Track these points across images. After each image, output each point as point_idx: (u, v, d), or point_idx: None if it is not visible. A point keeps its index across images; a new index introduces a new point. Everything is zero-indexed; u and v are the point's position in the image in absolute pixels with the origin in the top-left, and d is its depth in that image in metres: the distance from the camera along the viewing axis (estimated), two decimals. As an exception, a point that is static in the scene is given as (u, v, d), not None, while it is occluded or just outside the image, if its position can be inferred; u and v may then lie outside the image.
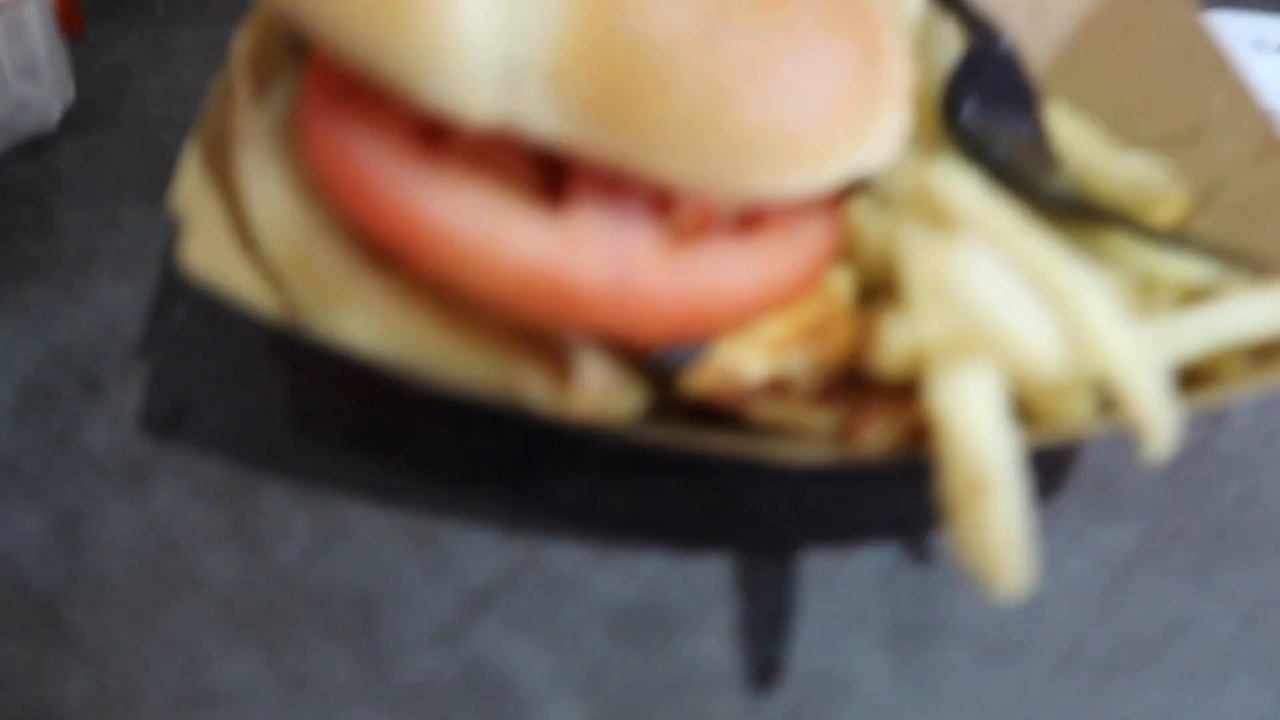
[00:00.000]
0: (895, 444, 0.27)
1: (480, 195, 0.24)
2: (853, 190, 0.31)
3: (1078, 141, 0.39)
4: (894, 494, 0.34)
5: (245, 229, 0.29)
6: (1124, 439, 0.36)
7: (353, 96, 0.25)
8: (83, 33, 0.45)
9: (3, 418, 0.32)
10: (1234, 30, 0.61)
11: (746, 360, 0.27)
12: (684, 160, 0.24)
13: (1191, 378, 0.30)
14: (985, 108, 0.34)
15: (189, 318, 0.36)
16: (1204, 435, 0.37)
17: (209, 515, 0.31)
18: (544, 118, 0.23)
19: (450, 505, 0.32)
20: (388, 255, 0.27)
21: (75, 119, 0.43)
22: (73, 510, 0.31)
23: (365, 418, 0.33)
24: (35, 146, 0.42)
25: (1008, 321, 0.24)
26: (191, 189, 0.29)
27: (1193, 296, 0.31)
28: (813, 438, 0.27)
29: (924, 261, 0.26)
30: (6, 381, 0.33)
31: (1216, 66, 0.39)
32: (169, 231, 0.39)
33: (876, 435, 0.27)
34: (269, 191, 0.28)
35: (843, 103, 0.26)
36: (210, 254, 0.27)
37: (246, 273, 0.28)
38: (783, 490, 0.34)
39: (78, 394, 0.33)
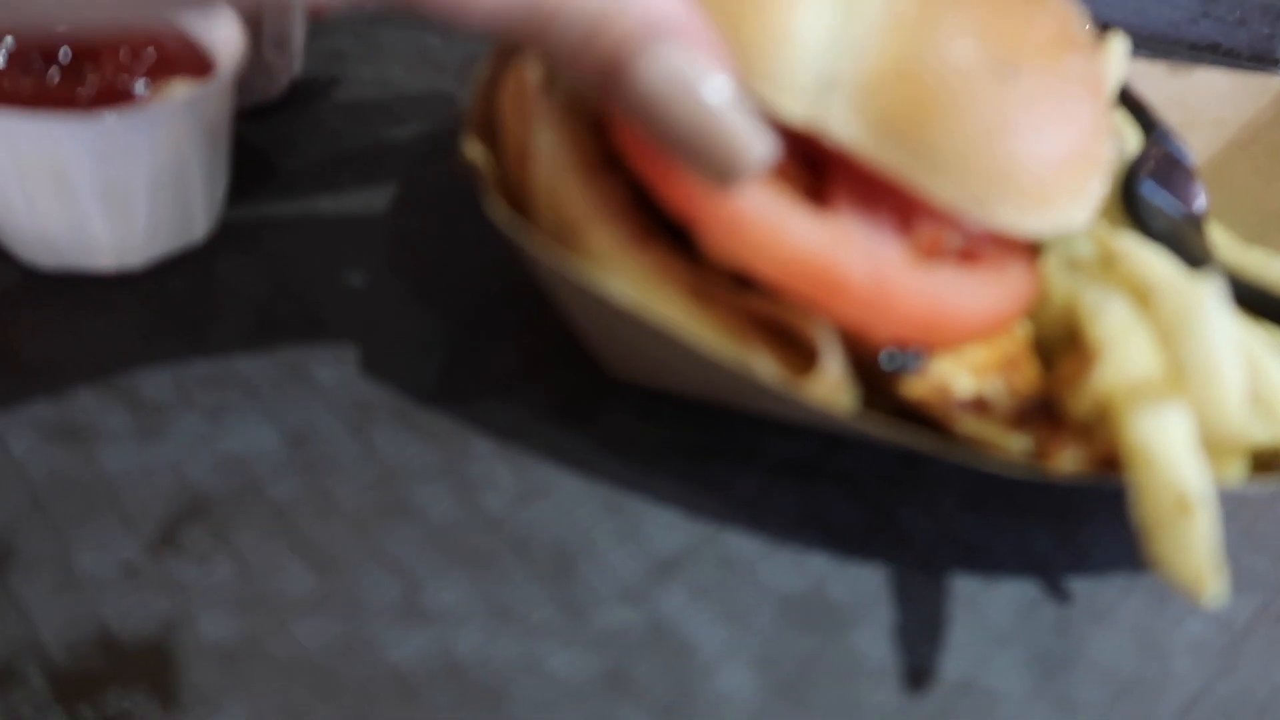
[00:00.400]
0: (1084, 468, 0.30)
1: (768, 187, 0.28)
2: (1044, 247, 0.34)
3: (1225, 245, 0.43)
4: (1033, 534, 0.36)
5: (515, 197, 0.32)
6: (1244, 522, 0.39)
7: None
8: (326, 14, 0.49)
9: (243, 342, 0.35)
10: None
11: (957, 377, 0.30)
12: (954, 183, 0.27)
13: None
14: (1157, 191, 0.38)
15: (407, 280, 0.39)
16: (1315, 526, 0.40)
17: (424, 454, 0.33)
18: (845, 126, 0.27)
19: (637, 482, 0.34)
20: (652, 237, 0.30)
21: (297, 92, 0.47)
22: (303, 431, 0.33)
23: (565, 392, 0.36)
24: (263, 111, 0.46)
25: (1221, 369, 0.27)
26: (475, 154, 0.32)
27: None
28: (1007, 455, 0.30)
29: (1169, 297, 0.29)
30: (246, 308, 0.36)
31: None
32: (386, 199, 0.42)
33: (1069, 458, 0.30)
34: (553, 167, 0.31)
35: (1080, 161, 0.29)
36: (493, 197, 0.30)
37: (524, 234, 0.31)
38: (932, 516, 0.36)
39: (304, 328, 0.36)
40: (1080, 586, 0.35)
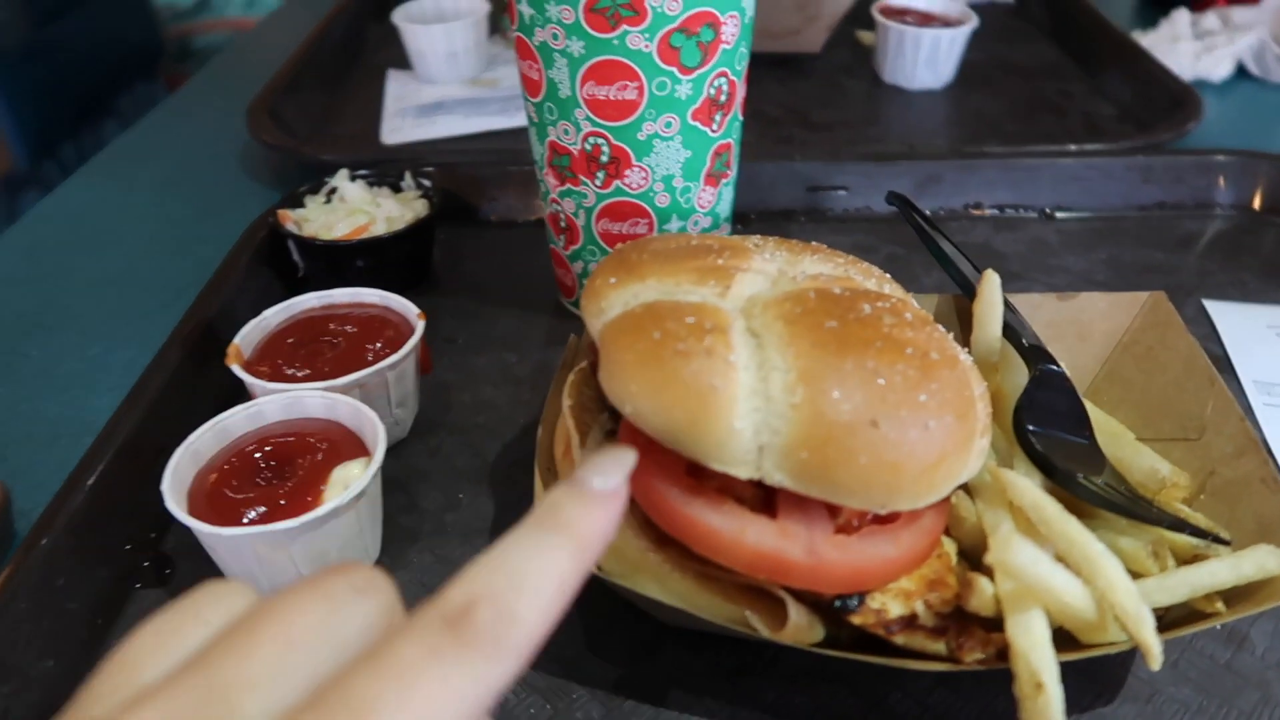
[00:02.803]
0: (988, 659, 0.43)
1: (729, 508, 0.43)
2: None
3: (1115, 437, 0.56)
4: (994, 698, 0.49)
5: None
6: (1169, 658, 0.50)
7: (650, 449, 0.44)
8: (431, 371, 0.68)
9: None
10: (1256, 319, 0.78)
11: (889, 605, 0.44)
12: (859, 500, 0.42)
13: (1193, 614, 0.45)
14: (1045, 423, 0.51)
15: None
16: (1229, 655, 0.51)
17: (540, 707, 0.48)
18: (777, 476, 0.42)
19: (692, 704, 0.48)
20: (665, 540, 0.45)
21: (420, 427, 0.65)
22: (458, 700, 0.48)
23: (634, 641, 0.51)
24: (396, 448, 0.64)
25: (1050, 584, 0.40)
26: (540, 495, 0.48)
27: (1190, 555, 0.47)
28: (933, 656, 0.44)
29: (995, 549, 0.42)
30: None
31: (1209, 381, 0.56)
32: (492, 508, 0.59)
33: (974, 654, 0.43)
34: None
35: (952, 450, 0.43)
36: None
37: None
38: (914, 696, 0.49)
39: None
40: (1030, 732, 0.47)
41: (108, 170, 1.06)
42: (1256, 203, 0.91)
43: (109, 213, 0.97)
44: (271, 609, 0.25)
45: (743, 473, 0.42)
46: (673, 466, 0.44)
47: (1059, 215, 0.91)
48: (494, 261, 0.85)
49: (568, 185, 0.68)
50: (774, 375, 0.42)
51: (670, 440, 0.42)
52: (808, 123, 1.10)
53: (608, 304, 0.48)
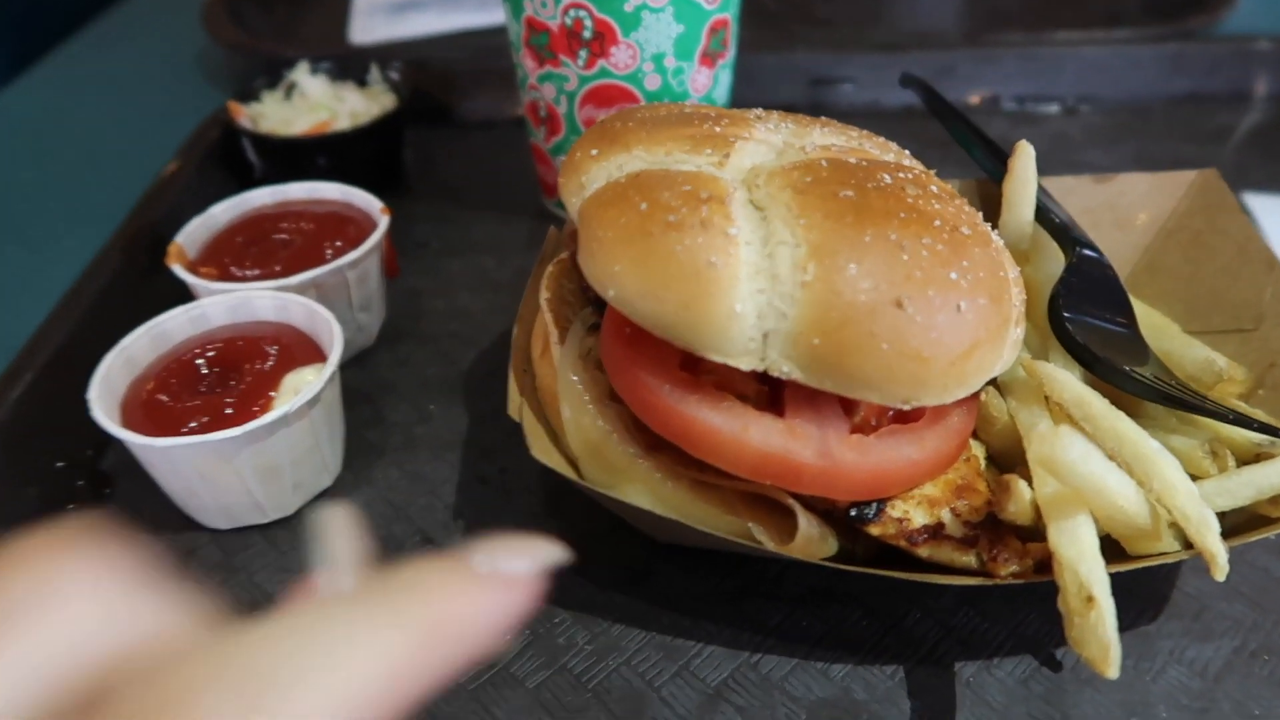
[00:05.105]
0: (1024, 572, 0.38)
1: (730, 404, 0.37)
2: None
3: (1160, 330, 0.50)
4: (1024, 618, 0.44)
5: (552, 428, 0.42)
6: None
7: (638, 340, 0.38)
8: (398, 274, 0.62)
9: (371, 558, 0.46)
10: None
11: (912, 514, 0.39)
12: (878, 393, 0.36)
13: (1253, 520, 0.40)
14: (1084, 311, 0.45)
15: (488, 487, 0.49)
16: (1284, 568, 0.46)
17: (516, 634, 0.43)
18: (785, 367, 0.36)
19: (686, 628, 0.43)
20: (657, 445, 0.40)
21: (387, 335, 0.59)
22: (427, 627, 0.43)
23: (624, 561, 0.46)
24: (362, 358, 0.58)
25: (1102, 485, 0.35)
26: (516, 403, 0.42)
27: (1252, 454, 0.41)
28: (961, 570, 0.38)
29: (1037, 445, 0.37)
30: (372, 533, 0.47)
31: (1268, 266, 0.50)
32: (465, 422, 0.53)
33: (1009, 567, 0.38)
34: (573, 403, 0.41)
35: (985, 338, 0.37)
36: (539, 446, 0.40)
37: (558, 458, 0.41)
38: (933, 616, 0.44)
39: (417, 545, 0.47)
40: (1068, 657, 0.42)
41: (50, 77, 0.99)
42: (1297, 93, 0.84)
43: (52, 121, 0.90)
44: None
45: (745, 364, 0.36)
46: (664, 359, 0.38)
47: (1082, 108, 0.84)
48: (471, 163, 0.78)
49: (547, 68, 0.61)
50: (781, 250, 0.36)
51: (661, 328, 0.36)
52: (810, 18, 1.03)
53: (589, 178, 0.42)
